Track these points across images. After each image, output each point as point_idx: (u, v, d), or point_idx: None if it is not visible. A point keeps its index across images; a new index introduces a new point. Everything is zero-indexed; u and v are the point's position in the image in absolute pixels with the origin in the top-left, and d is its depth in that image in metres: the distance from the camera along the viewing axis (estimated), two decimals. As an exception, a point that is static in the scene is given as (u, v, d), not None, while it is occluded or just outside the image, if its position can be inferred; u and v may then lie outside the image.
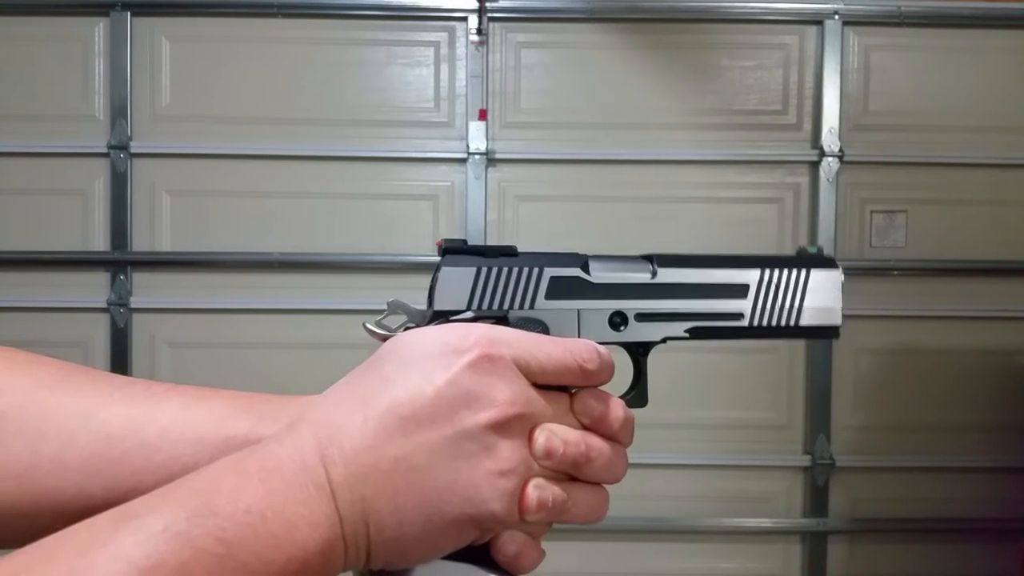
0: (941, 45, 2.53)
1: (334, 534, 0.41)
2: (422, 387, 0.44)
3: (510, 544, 0.45)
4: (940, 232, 2.53)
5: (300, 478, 0.41)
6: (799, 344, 2.53)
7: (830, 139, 2.49)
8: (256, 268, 2.50)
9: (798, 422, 2.56)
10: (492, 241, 2.49)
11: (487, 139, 2.47)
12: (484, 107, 2.47)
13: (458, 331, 0.46)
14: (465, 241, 0.51)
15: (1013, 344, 2.55)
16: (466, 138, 2.47)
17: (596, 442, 0.46)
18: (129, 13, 2.46)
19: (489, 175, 2.49)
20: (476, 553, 0.45)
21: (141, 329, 2.51)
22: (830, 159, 2.49)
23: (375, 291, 2.48)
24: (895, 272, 2.53)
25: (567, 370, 0.47)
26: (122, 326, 2.48)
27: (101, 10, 2.47)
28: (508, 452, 0.44)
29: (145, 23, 2.49)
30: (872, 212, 2.53)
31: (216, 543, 0.38)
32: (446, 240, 0.50)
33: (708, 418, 2.48)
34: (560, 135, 2.52)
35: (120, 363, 2.48)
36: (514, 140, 2.51)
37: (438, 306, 0.49)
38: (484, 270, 0.49)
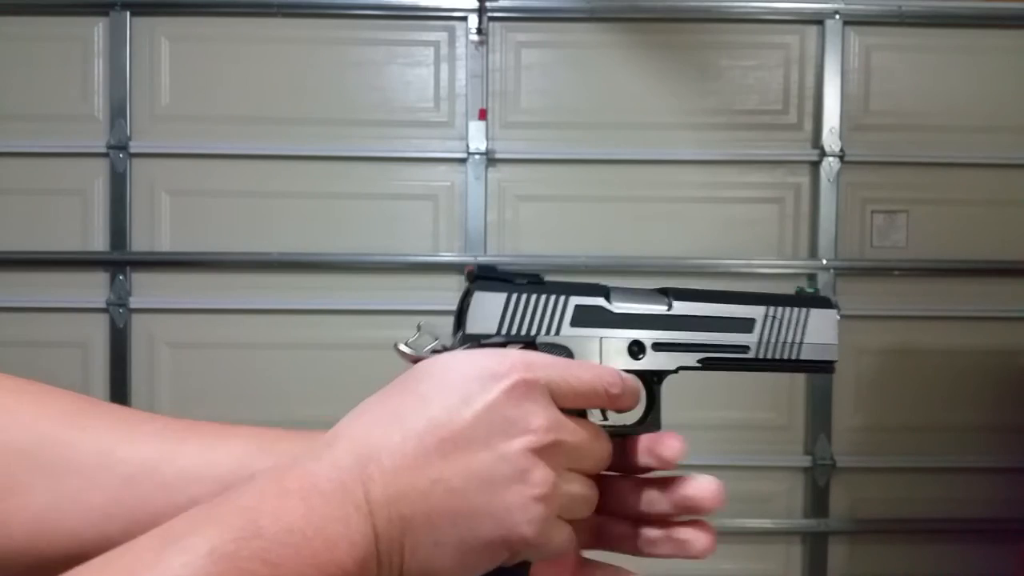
0: (942, 45, 2.53)
1: (370, 552, 0.42)
2: (460, 410, 0.44)
3: None
4: (941, 232, 2.53)
5: (338, 496, 0.42)
6: (799, 344, 2.53)
7: (831, 139, 2.49)
8: (255, 268, 2.49)
9: (799, 423, 2.56)
10: (492, 241, 2.49)
11: (487, 139, 2.46)
12: (484, 107, 2.47)
13: (495, 356, 0.47)
14: (495, 267, 0.53)
15: (1013, 344, 2.55)
16: (466, 138, 2.47)
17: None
18: (128, 13, 2.46)
19: (489, 175, 2.49)
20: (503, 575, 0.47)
21: (140, 329, 2.50)
22: (831, 159, 2.49)
23: (375, 291, 2.48)
24: (896, 272, 2.53)
25: (595, 393, 0.49)
26: (121, 326, 2.48)
27: (100, 10, 2.46)
28: (541, 478, 0.45)
29: (144, 23, 2.48)
30: (873, 212, 2.53)
31: (262, 565, 0.38)
32: (478, 266, 0.52)
33: (708, 419, 2.47)
34: (560, 135, 2.51)
35: (119, 364, 2.48)
36: (514, 140, 2.50)
37: (470, 329, 0.51)
38: (514, 297, 0.51)
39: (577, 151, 2.50)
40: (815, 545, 2.55)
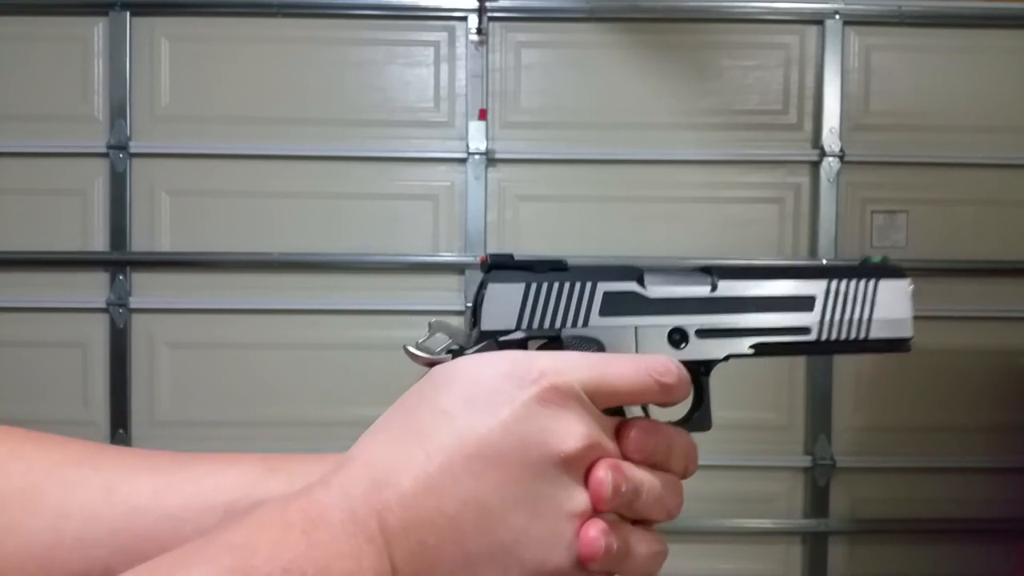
0: (941, 45, 2.53)
1: None
2: (488, 422, 0.39)
3: None
4: (940, 232, 2.53)
5: (348, 528, 0.37)
6: (799, 344, 2.53)
7: (831, 139, 2.49)
8: (255, 268, 2.49)
9: (799, 422, 2.56)
10: (492, 241, 2.49)
11: (487, 139, 2.46)
12: (484, 107, 2.47)
13: (520, 359, 0.42)
14: (512, 256, 0.47)
15: (1013, 344, 2.55)
16: (466, 138, 2.47)
17: (646, 476, 0.43)
18: (128, 13, 2.46)
19: (489, 175, 2.49)
20: None
21: (140, 329, 2.50)
22: (831, 159, 2.49)
23: (375, 291, 2.48)
24: (895, 272, 2.52)
25: (643, 388, 0.43)
26: (121, 326, 2.48)
27: (100, 10, 2.46)
28: (586, 496, 0.40)
29: (144, 23, 2.48)
30: (873, 212, 2.53)
31: None
32: (491, 255, 0.47)
33: (708, 418, 2.47)
34: (560, 135, 2.51)
35: (119, 364, 2.48)
36: (514, 140, 2.50)
37: (485, 326, 0.45)
38: (534, 286, 0.46)
39: (577, 151, 2.50)
40: (815, 545, 2.55)
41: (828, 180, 2.49)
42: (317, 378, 2.47)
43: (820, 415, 2.52)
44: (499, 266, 0.46)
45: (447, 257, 2.49)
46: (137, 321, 2.50)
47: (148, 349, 2.50)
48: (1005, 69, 2.54)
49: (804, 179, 2.54)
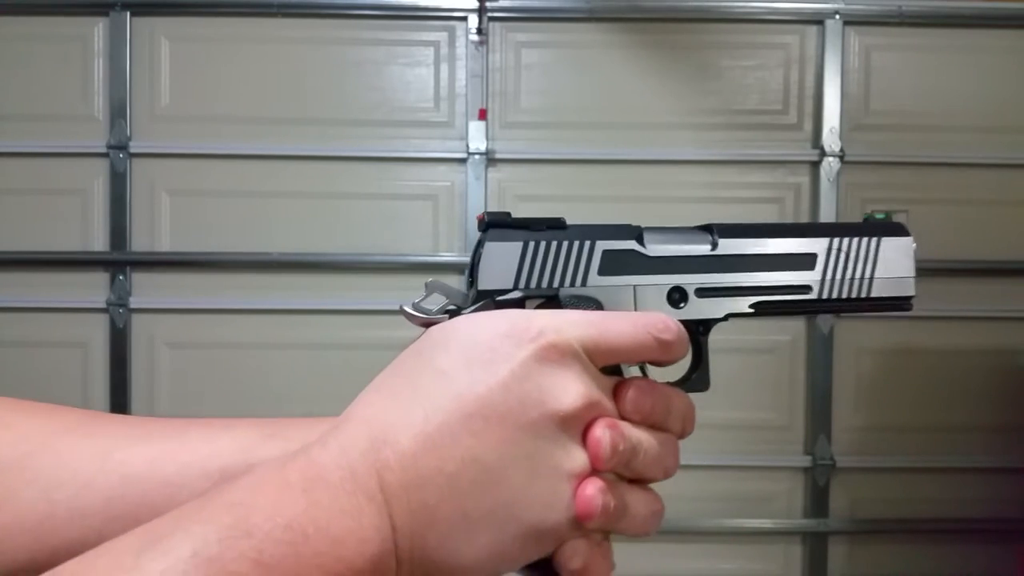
0: (942, 45, 2.53)
1: (385, 549, 0.37)
2: (487, 381, 0.39)
3: (575, 558, 0.40)
4: (941, 232, 2.53)
5: (347, 486, 0.37)
6: (800, 344, 2.53)
7: (831, 139, 2.49)
8: (255, 268, 2.49)
9: (799, 422, 2.56)
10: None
11: (487, 139, 2.46)
12: (484, 107, 2.47)
13: (518, 319, 0.41)
14: (509, 214, 0.47)
15: (1013, 344, 2.55)
16: (466, 138, 2.47)
17: (643, 435, 0.42)
18: (128, 13, 2.46)
19: (489, 175, 2.49)
20: (538, 569, 0.41)
21: (140, 329, 2.50)
22: (831, 159, 2.49)
23: (374, 291, 2.48)
24: (895, 272, 2.52)
25: (642, 346, 0.43)
26: (121, 327, 2.48)
27: (100, 10, 2.46)
28: (584, 455, 0.40)
29: (144, 23, 2.48)
30: (873, 212, 2.53)
31: (253, 567, 0.34)
32: (488, 213, 0.46)
33: (708, 419, 2.46)
34: (560, 135, 2.51)
35: (119, 364, 2.48)
36: (514, 140, 2.50)
37: (483, 285, 0.45)
38: (532, 245, 0.46)
39: (577, 151, 2.50)
40: (815, 545, 2.55)
41: (828, 180, 2.49)
42: (317, 378, 2.47)
43: (820, 415, 2.52)
44: (496, 224, 0.46)
45: (447, 257, 2.49)
46: (137, 321, 2.50)
47: (148, 349, 2.50)
48: (1005, 69, 2.54)
49: (804, 179, 2.54)
